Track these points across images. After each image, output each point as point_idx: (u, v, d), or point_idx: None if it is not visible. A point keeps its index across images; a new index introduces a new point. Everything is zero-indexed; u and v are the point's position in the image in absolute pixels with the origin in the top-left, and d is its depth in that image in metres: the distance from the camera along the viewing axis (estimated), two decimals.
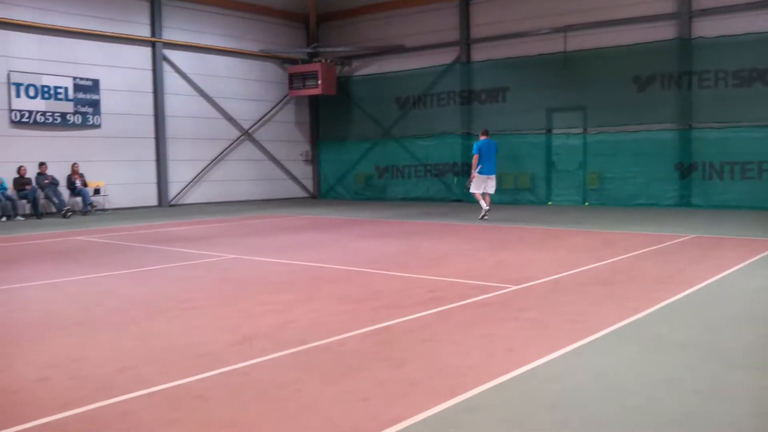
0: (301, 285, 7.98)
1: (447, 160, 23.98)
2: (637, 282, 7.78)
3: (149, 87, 22.89)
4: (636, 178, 19.88)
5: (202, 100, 24.33)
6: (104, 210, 21.08)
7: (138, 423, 3.72)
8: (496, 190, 16.61)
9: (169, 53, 23.33)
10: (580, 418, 3.71)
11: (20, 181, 19.23)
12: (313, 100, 27.67)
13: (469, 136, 22.98)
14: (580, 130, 21.13)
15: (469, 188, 16.55)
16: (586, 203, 20.68)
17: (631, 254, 9.96)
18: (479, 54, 23.49)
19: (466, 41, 23.67)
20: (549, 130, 21.84)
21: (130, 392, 4.20)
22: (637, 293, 7.14)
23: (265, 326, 5.89)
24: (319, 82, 25.49)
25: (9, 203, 18.80)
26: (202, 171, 24.34)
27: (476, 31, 23.51)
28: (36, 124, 20.23)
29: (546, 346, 5.12)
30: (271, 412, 3.87)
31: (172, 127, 23.37)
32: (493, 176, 16.22)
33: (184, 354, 5.08)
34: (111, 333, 5.83)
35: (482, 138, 16.40)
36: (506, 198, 21.50)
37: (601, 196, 20.53)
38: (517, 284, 7.66)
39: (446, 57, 24.21)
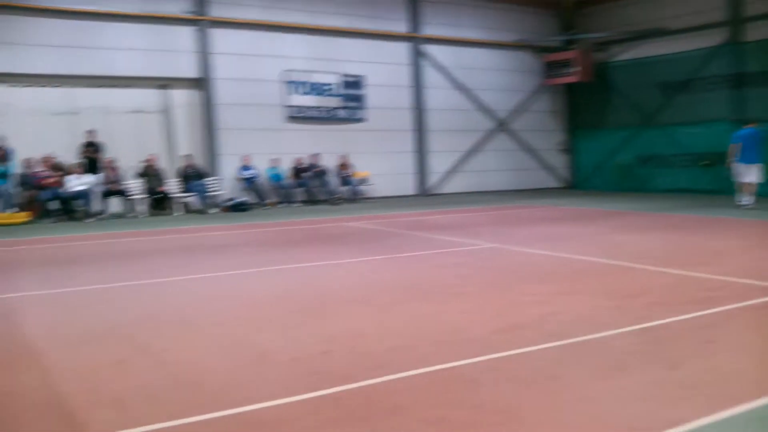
0: (562, 276, 7.88)
1: (715, 148, 22.20)
2: None
3: (409, 81, 23.80)
4: None
5: (458, 92, 24.83)
6: (369, 198, 22.33)
7: (413, 401, 3.90)
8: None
9: (427, 48, 24.08)
10: None
11: (296, 171, 20.99)
12: (569, 88, 27.02)
13: (739, 122, 21.13)
14: None
15: (734, 177, 16.11)
16: None
17: None
18: (754, 33, 21.45)
19: (736, 20, 21.73)
20: None
21: (404, 371, 4.41)
22: None
23: (529, 316, 5.90)
24: (576, 69, 24.88)
25: (287, 191, 20.62)
26: (458, 161, 24.88)
27: (751, 9, 21.49)
28: (308, 119, 21.95)
29: None
30: (544, 401, 3.88)
31: (430, 120, 24.14)
32: (758, 165, 15.73)
33: (454, 337, 5.25)
34: (384, 312, 6.18)
35: (747, 127, 16.06)
36: None
37: None
38: None
39: (711, 39, 22.39)
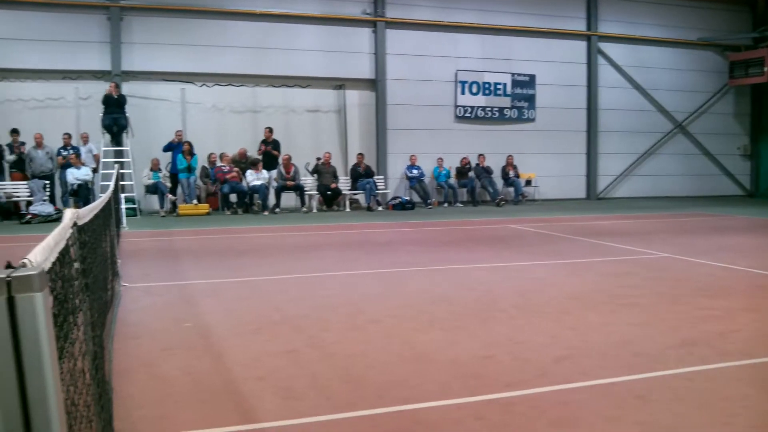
0: (742, 292, 7.39)
1: None
2: None
3: (582, 80, 23.17)
4: None
5: (634, 92, 23.86)
6: (534, 200, 21.98)
7: (577, 414, 3.82)
8: None
9: (604, 46, 23.31)
10: None
11: (461, 171, 21.04)
12: (755, 90, 25.20)
13: None
14: None
15: None
16: None
17: None
18: None
19: None
20: None
21: (568, 382, 4.33)
22: None
23: (705, 332, 5.58)
24: (766, 69, 23.15)
25: (450, 191, 20.72)
26: (631, 165, 23.92)
27: None
28: (476, 119, 21.93)
29: None
30: (717, 424, 3.67)
31: (603, 120, 23.37)
32: None
33: (620, 350, 5.07)
34: (548, 320, 6.07)
35: None
36: None
37: None
38: None
39: None
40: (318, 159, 19.19)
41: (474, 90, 21.88)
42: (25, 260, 1.38)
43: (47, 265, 1.59)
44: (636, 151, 23.97)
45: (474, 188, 21.03)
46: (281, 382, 4.35)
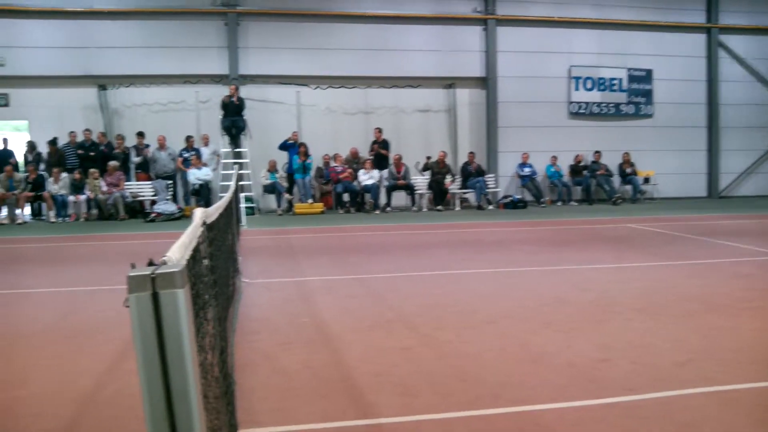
0: None
1: None
2: None
3: (702, 75, 22.16)
4: None
5: (759, 86, 22.59)
6: (652, 199, 21.21)
7: (700, 421, 3.68)
8: None
9: (725, 38, 22.20)
10: None
11: (575, 169, 20.57)
12: None
13: None
14: None
15: None
16: None
17: None
18: None
19: None
20: None
21: (691, 387, 4.16)
22: None
23: None
24: None
25: (564, 189, 20.29)
26: (755, 162, 22.67)
27: None
28: (591, 115, 21.37)
29: None
30: None
31: (725, 116, 22.27)
32: None
33: (743, 356, 4.83)
34: (667, 323, 5.85)
35: None
36: None
37: None
38: None
39: None
40: (428, 158, 19.21)
41: (588, 86, 21.34)
42: (165, 258, 1.46)
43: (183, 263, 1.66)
44: (760, 148, 22.66)
45: (589, 186, 20.50)
46: (397, 379, 4.39)
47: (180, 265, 1.31)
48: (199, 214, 2.77)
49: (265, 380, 4.46)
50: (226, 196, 6.53)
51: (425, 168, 19.07)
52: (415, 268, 8.97)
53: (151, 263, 1.35)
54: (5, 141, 17.89)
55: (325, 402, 4.05)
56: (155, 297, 1.25)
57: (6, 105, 18.68)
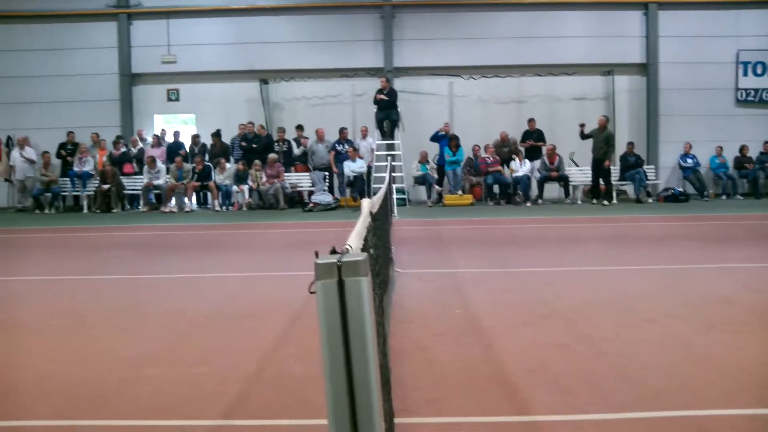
0: None
1: None
2: None
3: None
4: None
5: None
6: None
7: None
8: None
9: None
10: None
11: (742, 161, 19.31)
12: None
13: None
14: None
15: None
16: None
17: None
18: None
19: None
20: None
21: None
22: None
23: None
24: None
25: (729, 182, 19.09)
26: None
27: None
28: (761, 103, 19.98)
29: None
30: None
31: None
32: None
33: None
34: None
35: None
36: None
37: None
38: None
39: None
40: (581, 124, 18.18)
41: (759, 71, 19.94)
42: (347, 246, 1.51)
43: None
44: None
45: (756, 179, 19.15)
46: (553, 377, 4.32)
47: (364, 254, 1.35)
48: (366, 204, 2.85)
49: (418, 370, 4.51)
50: (383, 187, 6.66)
51: (584, 137, 17.97)
52: (569, 263, 8.77)
53: (333, 251, 1.40)
54: (176, 134, 19.15)
55: (480, 395, 4.05)
56: (341, 284, 1.29)
57: (177, 99, 19.99)
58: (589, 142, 17.70)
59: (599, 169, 17.57)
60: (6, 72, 19.76)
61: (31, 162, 18.43)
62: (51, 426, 3.80)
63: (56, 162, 18.66)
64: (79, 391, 4.28)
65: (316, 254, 1.40)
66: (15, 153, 18.58)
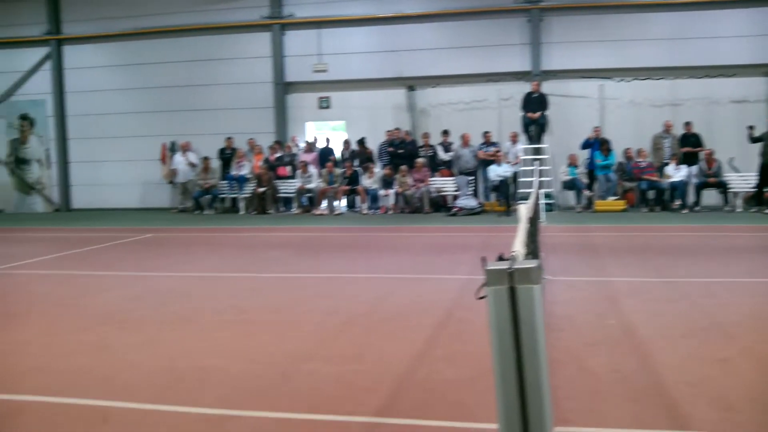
0: None
1: None
2: None
3: None
4: None
5: None
6: None
7: None
8: None
9: None
10: None
11: None
12: None
13: None
14: None
15: None
16: None
17: None
18: None
19: None
20: None
21: None
22: None
23: None
24: None
25: None
26: None
27: None
28: None
29: None
30: None
31: None
32: None
33: None
34: None
35: None
36: None
37: None
38: None
39: None
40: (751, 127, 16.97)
41: None
42: (514, 253, 1.53)
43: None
44: None
45: None
46: (715, 392, 4.12)
47: (536, 262, 1.36)
48: (523, 211, 2.85)
49: (571, 379, 4.44)
50: (533, 193, 6.58)
51: (754, 139, 16.80)
52: (730, 274, 8.29)
53: (501, 258, 1.42)
54: (327, 140, 19.79)
55: (637, 408, 3.93)
56: (512, 291, 1.31)
57: (328, 107, 20.63)
58: (752, 146, 16.64)
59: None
60: (170, 82, 21.16)
61: (193, 166, 19.67)
62: (213, 414, 4.04)
63: (215, 165, 19.83)
64: (239, 384, 4.53)
65: (483, 260, 1.42)
66: (178, 157, 19.90)
